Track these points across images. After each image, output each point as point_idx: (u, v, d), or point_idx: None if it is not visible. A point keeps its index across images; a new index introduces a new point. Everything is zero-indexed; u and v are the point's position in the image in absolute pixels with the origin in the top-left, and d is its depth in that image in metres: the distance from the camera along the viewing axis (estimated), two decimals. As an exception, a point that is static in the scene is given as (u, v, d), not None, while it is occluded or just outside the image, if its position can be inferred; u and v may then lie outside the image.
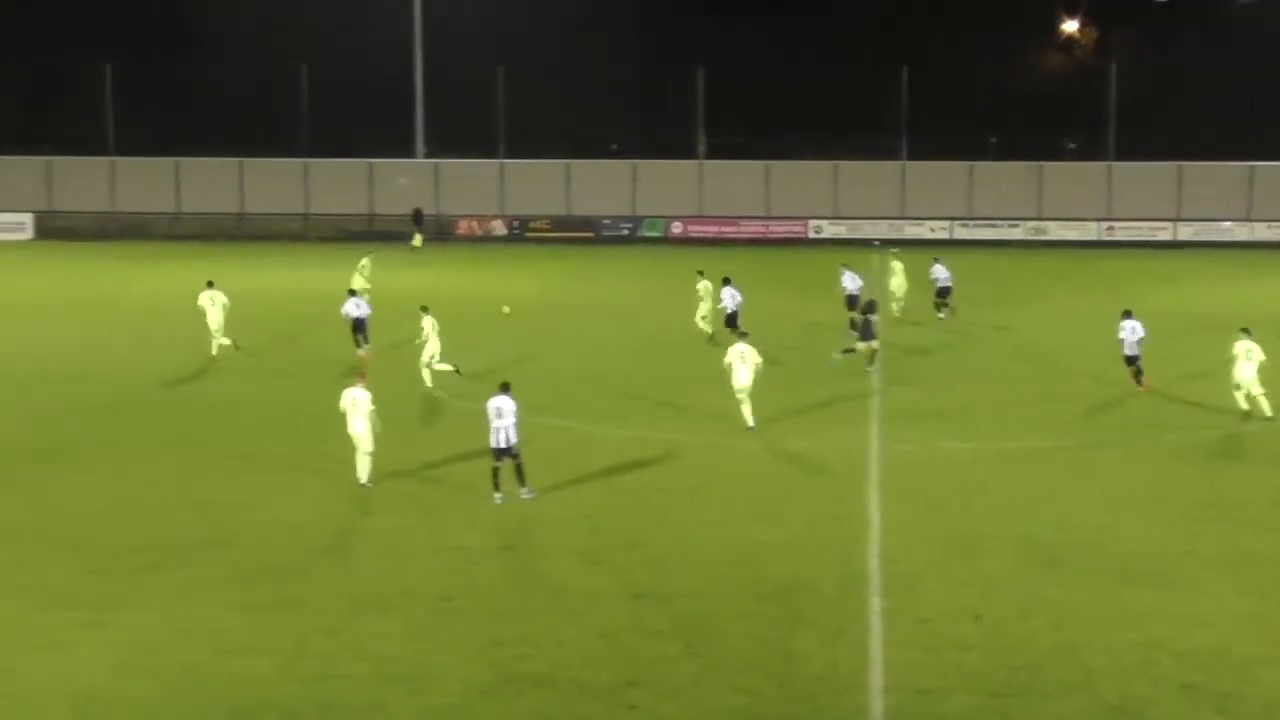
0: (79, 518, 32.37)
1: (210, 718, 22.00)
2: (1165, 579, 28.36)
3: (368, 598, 27.09)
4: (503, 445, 33.77)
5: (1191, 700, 22.62)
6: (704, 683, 23.18)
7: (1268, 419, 42.33)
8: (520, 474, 34.06)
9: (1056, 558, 29.62)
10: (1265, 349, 42.93)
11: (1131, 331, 46.79)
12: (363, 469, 34.67)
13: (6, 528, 31.57)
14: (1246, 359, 42.63)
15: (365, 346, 53.74)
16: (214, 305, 54.07)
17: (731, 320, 56.77)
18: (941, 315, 64.53)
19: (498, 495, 33.87)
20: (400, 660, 24.01)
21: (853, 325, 58.66)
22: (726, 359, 41.94)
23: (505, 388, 34.24)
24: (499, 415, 33.73)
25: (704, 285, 58.59)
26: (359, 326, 54.07)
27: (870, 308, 51.77)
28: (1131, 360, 46.82)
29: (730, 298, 57.30)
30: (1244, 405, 42.91)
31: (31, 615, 26.12)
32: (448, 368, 47.69)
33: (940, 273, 65.79)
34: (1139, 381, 46.74)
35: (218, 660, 24.01)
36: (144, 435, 40.83)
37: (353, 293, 55.50)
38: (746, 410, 41.67)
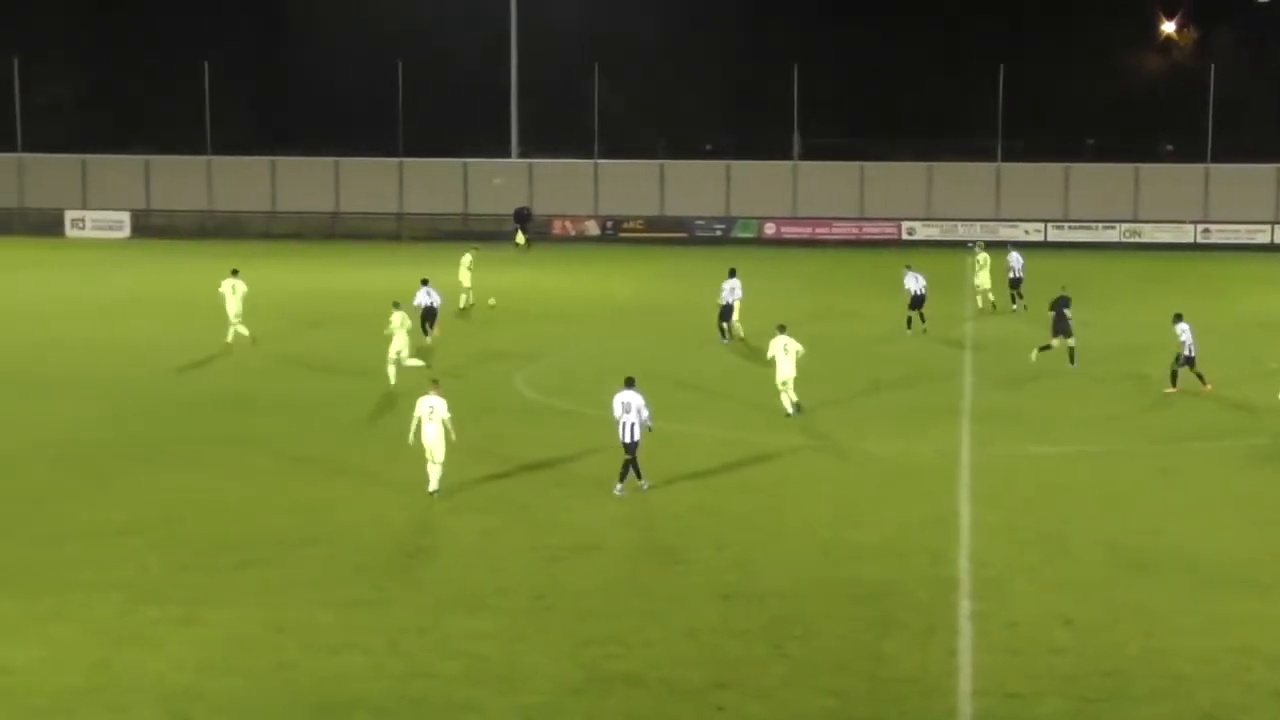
0: (173, 516, 32.62)
1: (300, 714, 22.17)
2: (1257, 584, 28.14)
3: (458, 597, 27.23)
4: (630, 440, 34.13)
5: (1284, 707, 22.48)
6: (793, 684, 23.18)
7: None
8: (627, 469, 34.41)
9: (1146, 562, 29.46)
10: None
11: (1186, 333, 46.75)
12: (435, 478, 34.03)
13: (104, 525, 31.87)
14: None
15: (432, 334, 55.11)
16: (234, 294, 55.23)
17: (725, 314, 56.74)
18: (1015, 306, 66.26)
19: (642, 483, 34.42)
20: (491, 659, 24.12)
21: (908, 323, 58.83)
22: (770, 352, 43.09)
23: (630, 382, 34.57)
24: (626, 410, 34.07)
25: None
26: (429, 315, 55.43)
27: (1063, 303, 51.92)
28: (1190, 361, 46.72)
29: (730, 291, 57.10)
30: None
31: (126, 610, 26.39)
32: (418, 364, 47.67)
33: (1015, 261, 66.83)
34: (1174, 382, 47.09)
35: (309, 657, 24.19)
36: (236, 434, 41.09)
37: (425, 282, 56.49)
38: (786, 400, 42.93)
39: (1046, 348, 51.22)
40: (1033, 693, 22.82)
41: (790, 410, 42.88)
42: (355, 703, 22.43)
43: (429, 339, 54.43)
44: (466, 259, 66.27)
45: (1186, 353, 46.70)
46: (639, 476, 34.45)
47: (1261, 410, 44.09)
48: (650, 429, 34.53)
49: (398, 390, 45.89)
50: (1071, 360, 51.02)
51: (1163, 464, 38.13)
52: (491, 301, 64.92)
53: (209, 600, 26.91)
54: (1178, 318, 47.49)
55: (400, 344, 47.37)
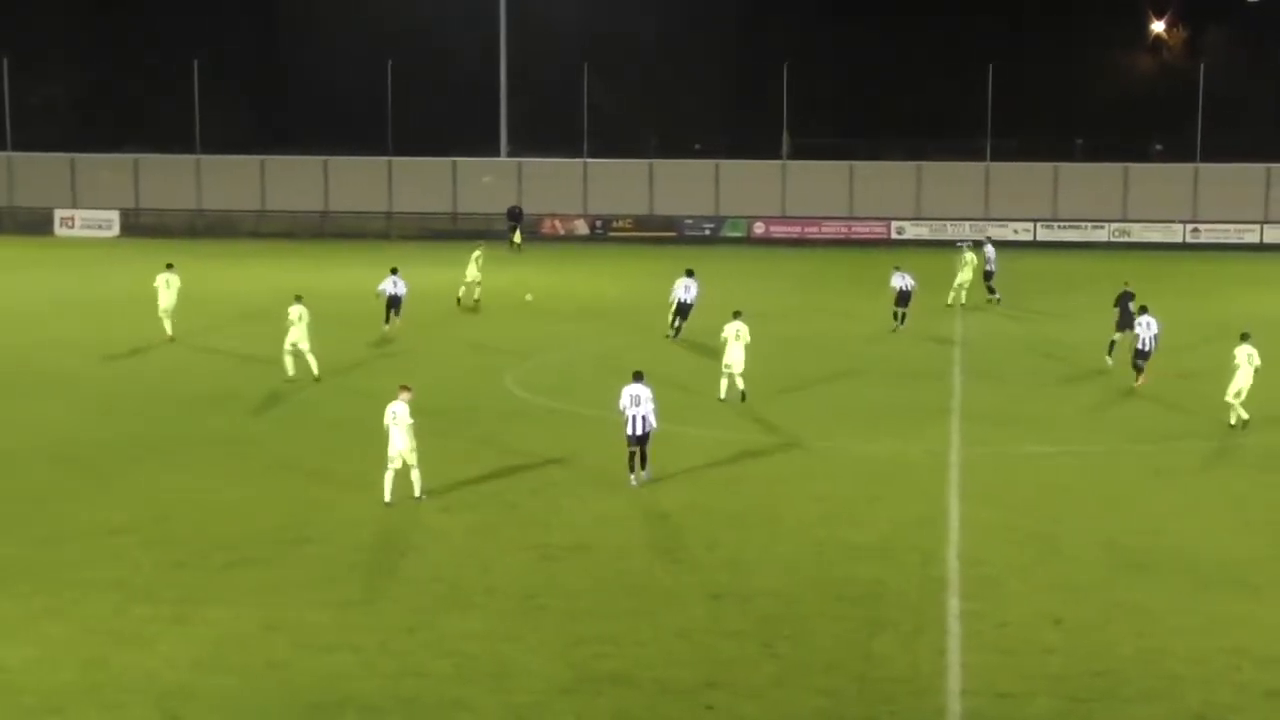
0: (168, 515, 32.57)
1: (292, 713, 22.17)
2: (1250, 585, 28.17)
3: (450, 596, 27.24)
4: (639, 432, 34.51)
5: (1275, 707, 22.49)
6: (783, 684, 23.20)
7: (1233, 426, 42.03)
8: (644, 459, 34.85)
9: (1139, 562, 29.47)
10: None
11: (1147, 327, 46.94)
12: (389, 486, 33.30)
13: (101, 524, 31.80)
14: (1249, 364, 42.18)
15: (396, 322, 57.35)
16: (169, 288, 56.42)
17: (683, 311, 56.88)
18: (992, 298, 68.17)
19: (632, 478, 34.70)
20: (481, 658, 24.13)
21: (895, 317, 59.10)
22: (722, 335, 44.39)
23: (639, 376, 34.99)
24: (635, 403, 34.46)
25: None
26: (393, 304, 57.39)
27: (1127, 298, 52.15)
28: (1144, 355, 47.00)
29: (684, 290, 57.16)
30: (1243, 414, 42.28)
31: (120, 609, 26.37)
32: (313, 363, 47.90)
33: (989, 253, 68.83)
34: (1140, 376, 47.38)
35: (301, 656, 24.20)
36: (231, 433, 41.08)
37: (394, 271, 58.19)
38: (724, 384, 44.28)
39: (1113, 344, 51.51)
40: (1023, 692, 22.85)
41: (724, 395, 44.24)
42: (346, 701, 22.44)
43: (388, 327, 57.16)
44: (477, 254, 66.67)
45: (1141, 346, 46.97)
46: (643, 468, 34.72)
47: (1257, 412, 44.14)
48: (654, 428, 34.74)
49: (301, 380, 47.27)
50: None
51: (1154, 463, 38.18)
52: (528, 297, 65.87)
53: (202, 599, 26.90)
54: (1142, 310, 47.73)
55: (297, 335, 47.68)
